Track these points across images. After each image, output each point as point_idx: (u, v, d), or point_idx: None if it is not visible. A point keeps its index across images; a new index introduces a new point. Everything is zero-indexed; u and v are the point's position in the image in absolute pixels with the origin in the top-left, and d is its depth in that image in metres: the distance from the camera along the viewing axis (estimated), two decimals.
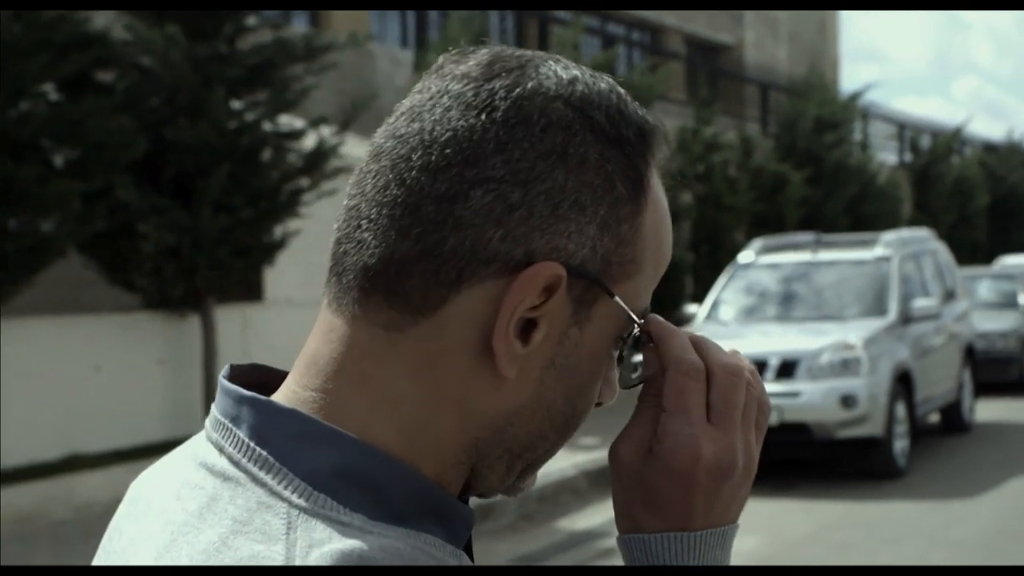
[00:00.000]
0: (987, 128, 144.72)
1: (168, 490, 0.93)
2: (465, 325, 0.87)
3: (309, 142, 11.41)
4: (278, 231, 11.35)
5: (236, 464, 0.88)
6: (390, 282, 0.87)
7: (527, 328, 0.88)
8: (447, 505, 0.90)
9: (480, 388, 0.89)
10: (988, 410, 14.94)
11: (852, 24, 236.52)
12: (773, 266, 13.05)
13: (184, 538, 0.87)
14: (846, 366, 11.04)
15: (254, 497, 0.86)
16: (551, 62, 0.92)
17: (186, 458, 0.95)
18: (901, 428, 11.41)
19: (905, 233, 14.18)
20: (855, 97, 25.86)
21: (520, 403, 0.90)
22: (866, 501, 10.20)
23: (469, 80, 0.90)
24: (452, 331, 0.88)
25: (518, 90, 0.89)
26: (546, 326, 0.88)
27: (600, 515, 9.44)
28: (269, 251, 11.37)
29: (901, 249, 12.98)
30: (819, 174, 22.16)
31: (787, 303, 12.69)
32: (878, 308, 12.23)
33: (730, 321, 12.60)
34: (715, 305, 12.85)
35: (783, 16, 31.85)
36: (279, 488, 0.85)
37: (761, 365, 10.82)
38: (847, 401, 10.84)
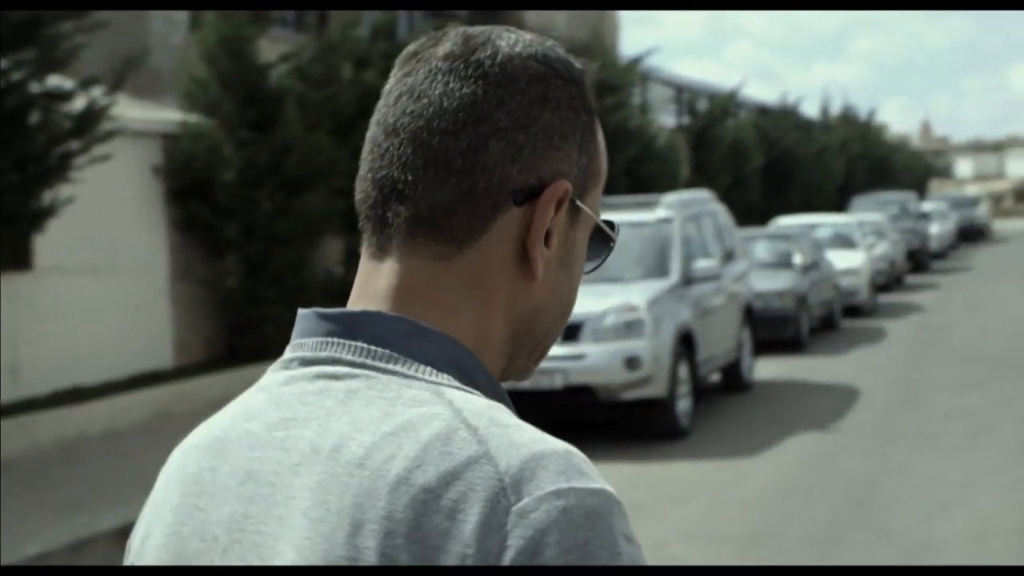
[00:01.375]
0: (760, 91, 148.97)
1: (272, 417, 1.06)
2: (502, 245, 1.10)
3: (79, 104, 10.90)
4: (47, 197, 10.81)
5: (362, 365, 1.05)
6: (437, 223, 1.08)
7: (546, 237, 1.11)
8: (502, 391, 1.12)
9: (517, 291, 1.12)
10: (767, 368, 15.34)
11: None
12: None
13: (335, 419, 1.02)
14: (630, 328, 11.11)
15: (392, 382, 1.04)
16: (505, 32, 1.14)
17: (276, 394, 1.08)
18: (684, 388, 11.57)
19: (686, 195, 14.37)
20: (636, 61, 26.18)
21: (544, 297, 1.14)
22: (652, 462, 10.32)
23: (455, 58, 1.11)
24: (493, 252, 1.10)
25: (499, 57, 1.11)
26: (558, 233, 1.12)
27: None
28: (38, 218, 10.83)
29: (682, 211, 13.13)
30: None
31: None
32: (660, 269, 12.35)
33: None
34: None
35: None
36: (412, 372, 1.04)
37: None
38: (631, 363, 10.92)
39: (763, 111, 40.71)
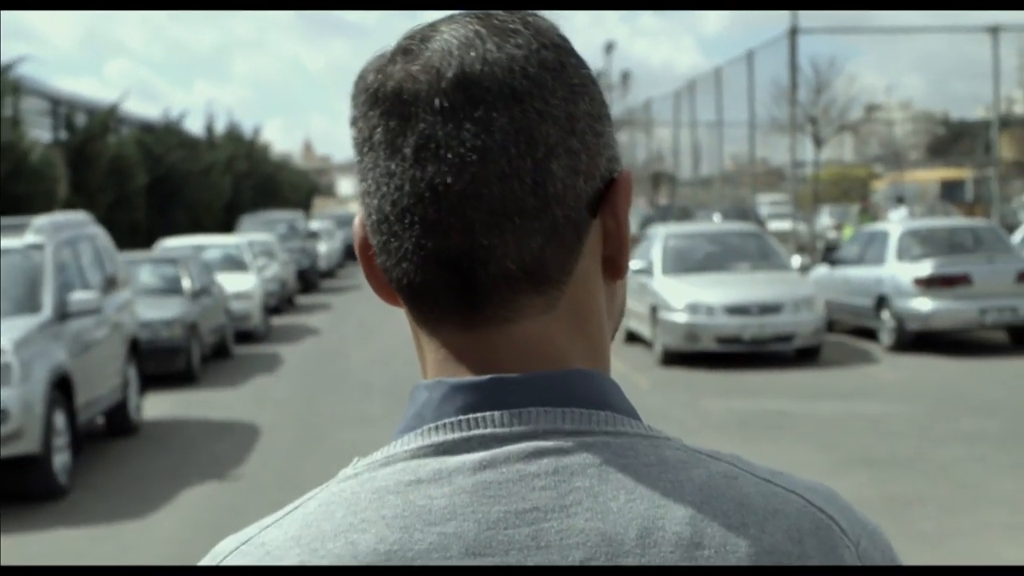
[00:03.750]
0: (144, 109, 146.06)
1: (491, 513, 0.89)
2: (592, 261, 0.98)
3: None
4: None
5: (586, 432, 0.92)
6: (533, 276, 0.94)
7: None
8: None
9: (611, 298, 1.03)
10: (157, 406, 13.97)
11: None
12: None
13: (608, 500, 0.89)
14: None
15: (636, 444, 0.93)
16: (489, 30, 0.96)
17: (471, 485, 0.90)
18: (62, 440, 10.02)
19: (60, 217, 12.67)
20: (4, 71, 23.84)
21: (623, 289, 1.06)
22: (26, 531, 8.70)
23: (466, 87, 0.93)
24: (587, 273, 0.98)
25: (517, 65, 0.95)
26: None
27: None
28: None
29: (56, 235, 11.50)
30: None
31: None
32: (31, 304, 10.67)
33: None
34: None
35: None
36: (636, 429, 0.95)
37: None
38: None
39: (147, 128, 39.06)
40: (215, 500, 9.55)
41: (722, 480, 0.92)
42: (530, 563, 0.87)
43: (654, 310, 16.45)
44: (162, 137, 37.45)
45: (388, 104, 0.95)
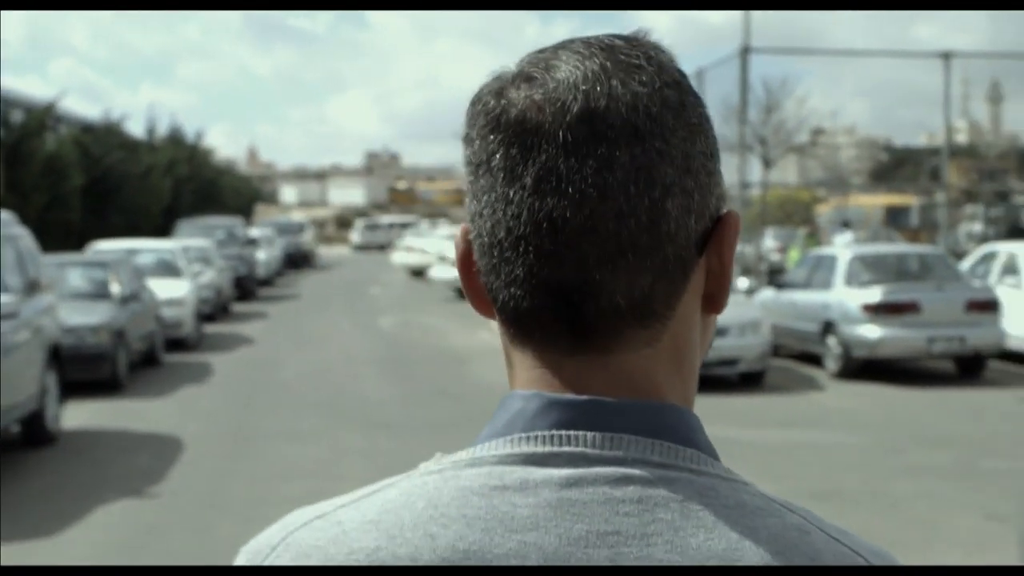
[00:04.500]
0: (86, 108, 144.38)
1: (574, 530, 0.90)
2: (694, 299, 1.00)
3: None
4: None
5: (672, 467, 0.94)
6: (640, 311, 0.96)
7: None
8: None
9: (704, 332, 1.04)
10: (79, 415, 13.37)
11: None
12: None
13: (687, 535, 0.90)
14: None
15: (718, 486, 0.94)
16: (616, 66, 0.97)
17: (556, 500, 0.92)
18: None
19: None
20: None
21: (714, 324, 1.06)
22: None
23: (589, 120, 0.94)
24: (687, 311, 0.99)
25: (641, 103, 0.96)
26: None
27: None
28: None
29: None
30: None
31: None
32: None
33: None
34: None
35: None
36: (718, 471, 0.96)
37: None
38: None
39: (86, 128, 38.30)
40: (131, 518, 9.01)
41: (796, 533, 0.94)
42: None
43: None
44: (101, 138, 36.75)
45: (511, 132, 0.95)
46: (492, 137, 0.96)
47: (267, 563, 0.95)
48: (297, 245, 50.30)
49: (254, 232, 40.37)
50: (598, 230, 0.93)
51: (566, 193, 0.93)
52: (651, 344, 0.97)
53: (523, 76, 0.97)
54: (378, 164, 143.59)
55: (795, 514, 0.95)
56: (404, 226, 67.41)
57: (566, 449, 0.93)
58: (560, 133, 0.93)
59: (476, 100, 0.99)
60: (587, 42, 0.98)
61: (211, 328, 23.56)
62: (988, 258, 19.05)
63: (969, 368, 16.38)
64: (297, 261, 49.22)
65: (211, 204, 48.52)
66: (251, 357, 19.52)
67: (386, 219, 78.97)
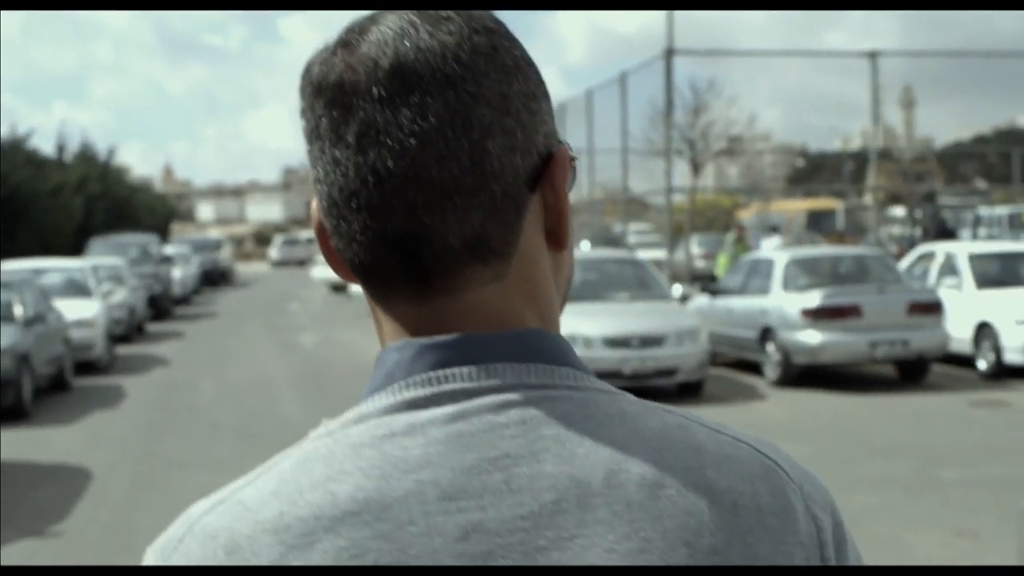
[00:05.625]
0: None
1: (465, 460, 0.94)
2: (535, 234, 1.02)
3: None
4: None
5: (550, 386, 0.98)
6: (477, 251, 0.99)
7: None
8: None
9: (558, 269, 1.07)
10: None
11: None
12: None
13: (575, 446, 0.95)
14: None
15: (596, 398, 0.99)
16: (415, 20, 1.00)
17: (444, 435, 0.95)
18: None
19: None
20: None
21: (569, 260, 1.09)
22: None
23: (402, 77, 0.97)
24: (530, 245, 1.02)
25: (449, 51, 0.98)
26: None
27: None
28: None
29: None
30: None
31: None
32: None
33: None
34: None
35: None
36: (592, 384, 1.00)
37: None
38: None
39: None
40: (32, 560, 8.21)
41: (677, 429, 0.98)
42: (504, 505, 0.92)
43: None
44: (7, 155, 35.62)
45: (331, 95, 0.99)
46: (317, 104, 1.00)
47: (175, 555, 0.96)
48: (214, 262, 49.25)
49: (169, 250, 39.36)
50: (421, 177, 0.96)
51: (385, 145, 0.96)
52: (497, 280, 1.00)
53: (341, 43, 1.00)
54: (296, 179, 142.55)
55: (674, 415, 1.00)
56: None
57: (447, 387, 0.96)
58: (374, 89, 0.97)
59: (304, 72, 1.02)
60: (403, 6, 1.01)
61: (124, 349, 22.61)
62: (925, 258, 18.68)
63: (911, 372, 15.91)
64: (214, 278, 48.20)
65: (126, 223, 47.39)
66: (166, 379, 18.62)
67: (305, 234, 78.01)
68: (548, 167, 1.01)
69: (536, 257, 1.02)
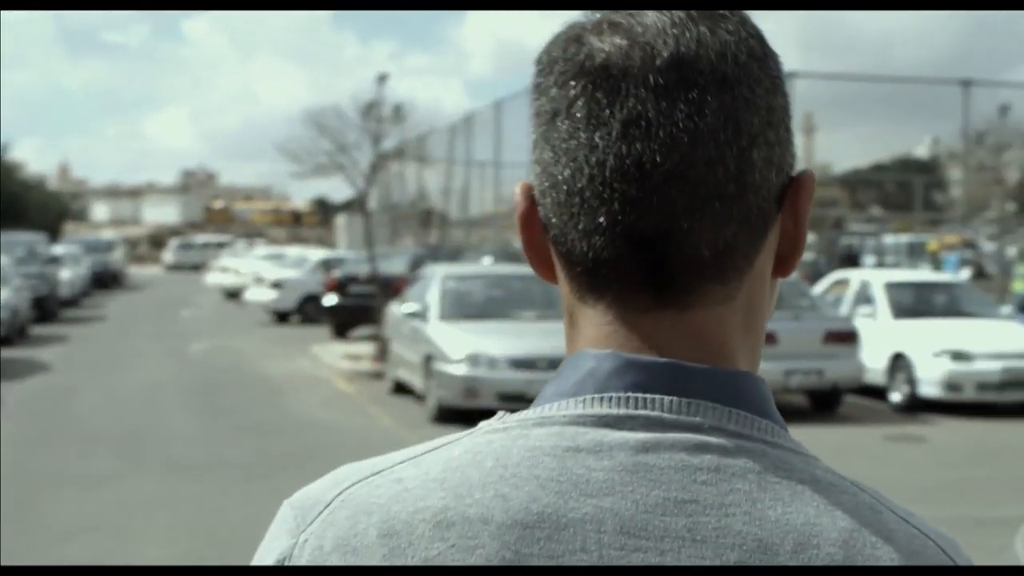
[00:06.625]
0: None
1: (651, 496, 0.88)
2: (768, 259, 0.97)
3: None
4: None
5: (747, 437, 0.91)
6: (722, 264, 0.93)
7: None
8: None
9: (772, 295, 1.00)
10: None
11: None
12: None
13: (765, 508, 0.88)
14: None
15: (790, 459, 0.91)
16: (701, 17, 0.95)
17: (633, 464, 0.89)
18: None
19: None
20: None
21: (778, 289, 1.02)
22: None
23: (679, 67, 0.91)
24: (762, 270, 0.97)
25: (729, 51, 0.93)
26: None
27: None
28: None
29: None
30: None
31: None
32: None
33: None
34: None
35: None
36: (793, 445, 0.93)
37: None
38: None
39: None
40: None
41: (869, 512, 0.92)
42: (684, 554, 0.87)
43: (428, 360, 14.66)
44: None
45: (596, 76, 0.92)
46: (574, 83, 0.93)
47: (319, 520, 0.90)
48: (106, 264, 47.95)
49: (58, 250, 38.15)
50: (687, 176, 0.91)
51: (656, 137, 0.91)
52: (726, 302, 0.95)
53: (607, 22, 0.94)
54: (194, 182, 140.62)
55: (865, 493, 0.94)
56: (220, 246, 65.63)
57: (642, 412, 0.91)
58: (650, 77, 0.91)
59: (551, 48, 0.96)
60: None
61: (4, 352, 21.50)
62: (839, 285, 18.34)
63: (825, 403, 15.48)
64: (106, 281, 46.92)
65: (15, 221, 45.99)
66: (45, 386, 17.66)
67: (201, 238, 76.66)
68: (793, 190, 0.97)
69: (764, 281, 0.98)
